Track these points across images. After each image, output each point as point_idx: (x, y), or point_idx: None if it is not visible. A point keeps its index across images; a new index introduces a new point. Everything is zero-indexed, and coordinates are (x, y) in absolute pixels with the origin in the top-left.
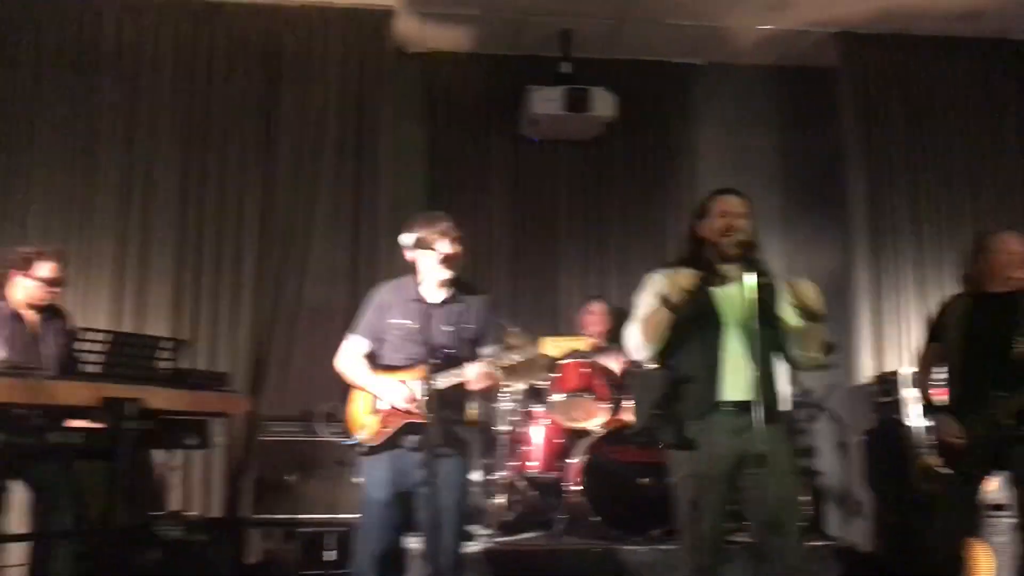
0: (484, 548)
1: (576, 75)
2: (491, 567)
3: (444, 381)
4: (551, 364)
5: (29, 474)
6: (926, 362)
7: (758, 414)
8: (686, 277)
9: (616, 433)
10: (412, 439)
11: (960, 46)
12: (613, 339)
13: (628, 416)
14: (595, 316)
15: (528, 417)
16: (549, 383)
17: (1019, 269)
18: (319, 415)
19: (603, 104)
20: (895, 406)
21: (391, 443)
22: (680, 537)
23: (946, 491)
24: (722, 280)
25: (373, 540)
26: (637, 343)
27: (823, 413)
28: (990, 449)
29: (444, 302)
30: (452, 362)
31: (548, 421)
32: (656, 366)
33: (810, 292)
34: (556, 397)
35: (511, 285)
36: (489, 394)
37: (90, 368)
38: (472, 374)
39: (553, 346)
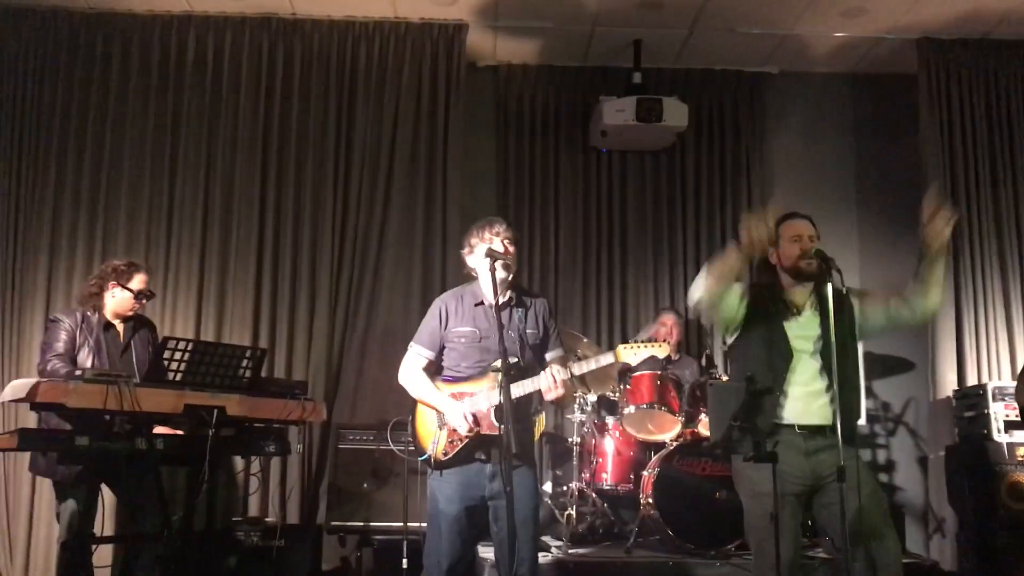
0: (555, 559)
1: (647, 85)
2: None
3: (517, 390)
4: (623, 374)
5: (117, 478)
6: None
7: (835, 436)
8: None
9: (690, 446)
10: (482, 452)
11: None
12: (686, 351)
13: (703, 429)
14: (667, 328)
15: (600, 428)
16: (621, 394)
17: None
18: (389, 428)
19: (675, 114)
20: (979, 421)
21: (460, 458)
22: (755, 552)
23: None
24: (794, 313)
25: (443, 553)
26: (699, 285)
27: (901, 427)
28: None
29: (505, 305)
30: (523, 371)
31: (619, 433)
32: (728, 345)
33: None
34: (629, 409)
35: (581, 297)
36: (562, 404)
37: (174, 376)
38: (545, 383)
39: (630, 352)
